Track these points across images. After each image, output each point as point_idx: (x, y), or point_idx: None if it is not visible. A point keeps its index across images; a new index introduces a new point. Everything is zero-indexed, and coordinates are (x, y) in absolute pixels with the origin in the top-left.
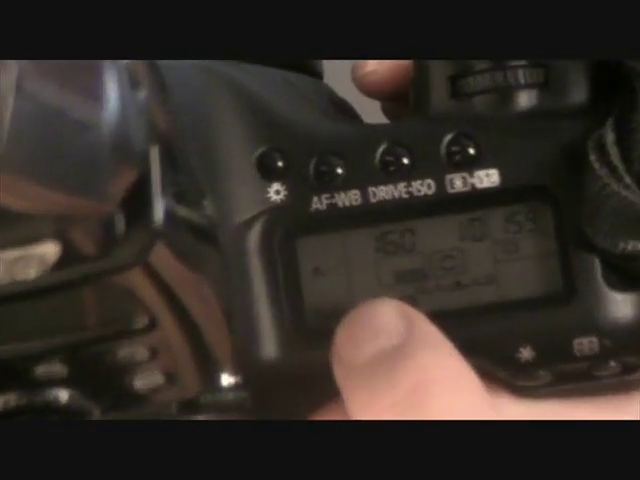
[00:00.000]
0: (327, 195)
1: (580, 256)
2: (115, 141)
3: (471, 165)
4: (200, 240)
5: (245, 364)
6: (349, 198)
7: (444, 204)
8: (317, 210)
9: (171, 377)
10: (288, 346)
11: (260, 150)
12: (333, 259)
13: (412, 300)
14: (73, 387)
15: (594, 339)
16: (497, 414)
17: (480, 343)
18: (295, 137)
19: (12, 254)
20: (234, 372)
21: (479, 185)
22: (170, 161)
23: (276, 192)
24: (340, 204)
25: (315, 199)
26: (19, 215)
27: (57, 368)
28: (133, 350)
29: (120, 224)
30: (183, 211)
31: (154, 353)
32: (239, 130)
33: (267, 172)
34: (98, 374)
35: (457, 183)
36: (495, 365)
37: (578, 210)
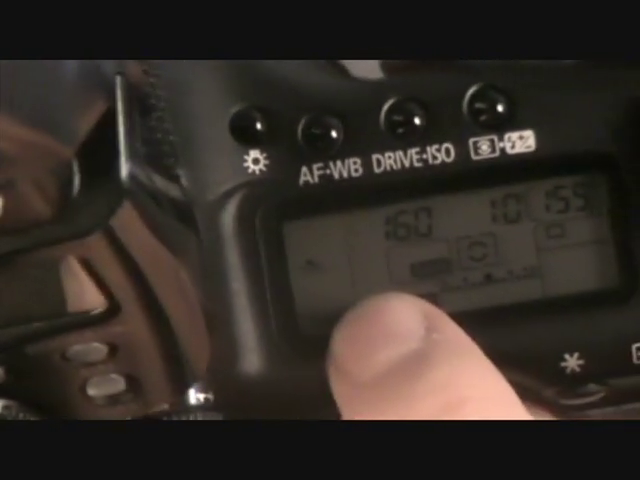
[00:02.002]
0: (320, 165)
1: None
2: (81, 66)
3: (501, 125)
4: (175, 217)
5: (220, 379)
6: (347, 168)
7: (468, 175)
8: (307, 184)
9: (134, 383)
10: (274, 358)
11: (235, 109)
12: (330, 248)
13: (433, 299)
14: (11, 396)
15: None
16: None
17: (516, 351)
18: (279, 92)
19: None
20: (205, 387)
21: (510, 150)
22: (142, 115)
23: (254, 161)
24: (336, 176)
25: (304, 170)
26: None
27: None
28: (87, 346)
29: (77, 181)
30: (155, 177)
31: (113, 350)
32: (212, 85)
33: (243, 136)
34: (43, 379)
35: (483, 148)
36: (534, 378)
37: None
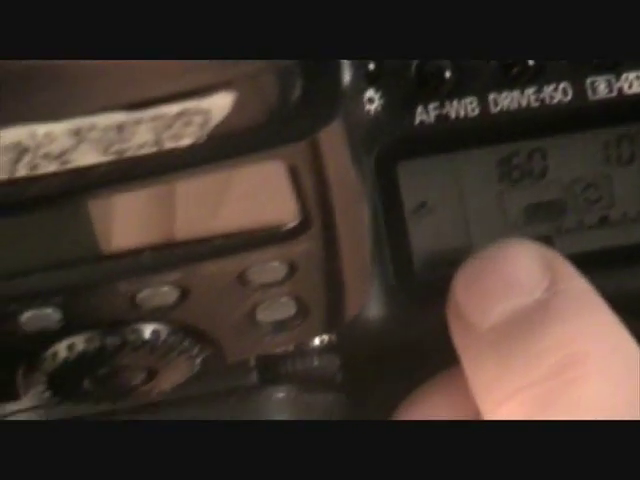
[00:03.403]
0: (436, 104)
1: None
2: None
3: (618, 65)
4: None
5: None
6: (464, 108)
7: (584, 115)
8: (423, 124)
9: (303, 308)
10: (391, 301)
11: None
12: (444, 189)
13: (547, 242)
14: (177, 320)
15: None
16: None
17: (634, 294)
18: None
19: (172, 109)
20: (326, 329)
21: (628, 90)
22: None
23: (369, 100)
24: (452, 115)
25: (420, 109)
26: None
27: (165, 293)
28: (267, 265)
29: (298, 86)
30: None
31: (292, 270)
32: None
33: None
34: (212, 302)
35: (600, 88)
36: None
37: None
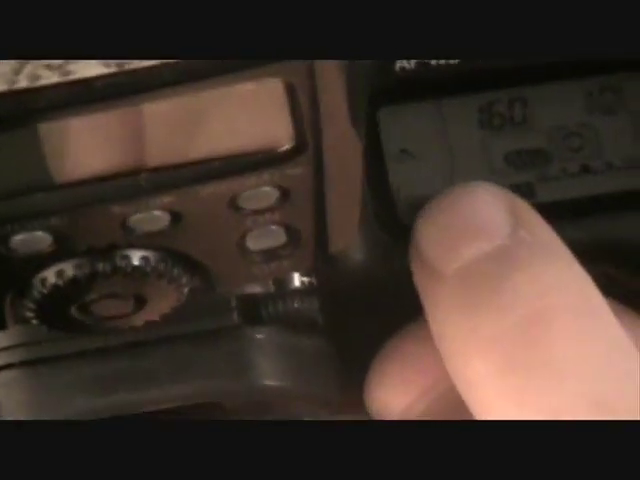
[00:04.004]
0: None
1: None
2: None
3: None
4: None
5: (321, 263)
6: None
7: (565, 65)
8: (403, 70)
9: (294, 236)
10: (372, 245)
11: None
12: (424, 136)
13: (528, 188)
14: (167, 246)
15: None
16: (635, 350)
17: (613, 241)
18: None
19: None
20: (307, 270)
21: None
22: None
23: None
24: (433, 62)
25: None
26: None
27: (156, 217)
28: (259, 190)
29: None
30: None
31: (284, 196)
32: None
33: None
34: (204, 228)
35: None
36: (633, 270)
37: None
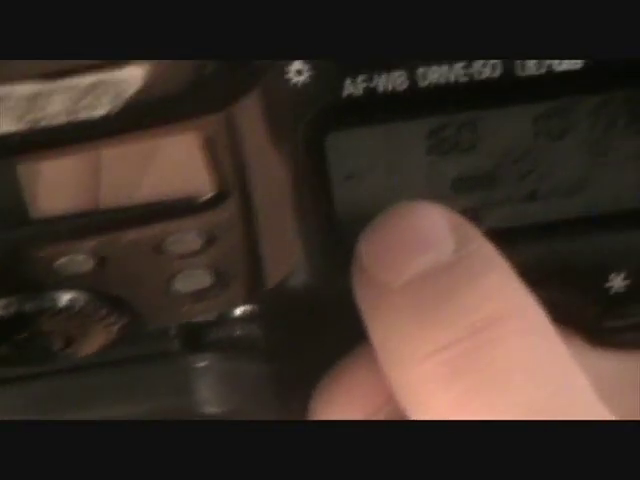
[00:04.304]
0: (364, 77)
1: None
2: None
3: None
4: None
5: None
6: (392, 81)
7: (514, 90)
8: (351, 96)
9: (220, 278)
10: (317, 271)
11: None
12: (372, 162)
13: (474, 214)
14: (94, 288)
15: None
16: (576, 366)
17: (560, 269)
18: None
19: (86, 80)
20: (246, 299)
21: (558, 67)
22: None
23: (297, 72)
24: (381, 88)
25: (348, 82)
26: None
27: (81, 261)
28: (184, 235)
29: (211, 63)
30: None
31: (210, 240)
32: None
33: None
34: (130, 271)
35: (530, 64)
36: (578, 297)
37: None
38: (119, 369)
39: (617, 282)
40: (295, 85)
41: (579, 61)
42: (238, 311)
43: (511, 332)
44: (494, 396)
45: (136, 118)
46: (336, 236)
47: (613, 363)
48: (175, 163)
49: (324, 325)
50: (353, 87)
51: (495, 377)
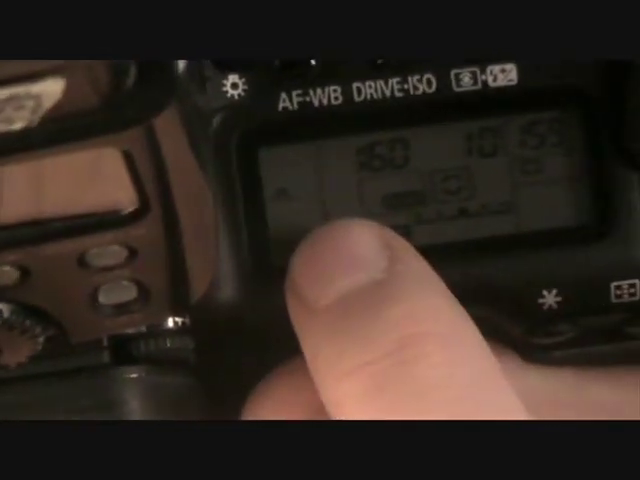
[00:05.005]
0: (299, 91)
1: (619, 180)
2: None
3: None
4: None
5: (196, 304)
6: (327, 96)
7: (448, 107)
8: (286, 110)
9: (144, 291)
10: (247, 286)
11: None
12: (303, 177)
13: (405, 231)
14: (19, 299)
15: (637, 282)
16: (505, 382)
17: (490, 286)
18: None
19: (2, 93)
20: (170, 312)
21: (493, 83)
22: None
23: (233, 85)
24: (316, 103)
25: (284, 96)
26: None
27: (5, 272)
28: (106, 249)
29: (132, 73)
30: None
31: (132, 254)
32: None
33: (222, 61)
34: (54, 283)
35: (465, 80)
36: (509, 314)
37: (619, 122)
38: (48, 380)
39: (549, 299)
40: (231, 98)
41: (514, 78)
42: (170, 323)
43: (437, 348)
44: (414, 412)
45: (55, 132)
46: (266, 250)
47: (546, 379)
48: (96, 177)
49: (254, 341)
50: (288, 101)
51: (416, 393)
